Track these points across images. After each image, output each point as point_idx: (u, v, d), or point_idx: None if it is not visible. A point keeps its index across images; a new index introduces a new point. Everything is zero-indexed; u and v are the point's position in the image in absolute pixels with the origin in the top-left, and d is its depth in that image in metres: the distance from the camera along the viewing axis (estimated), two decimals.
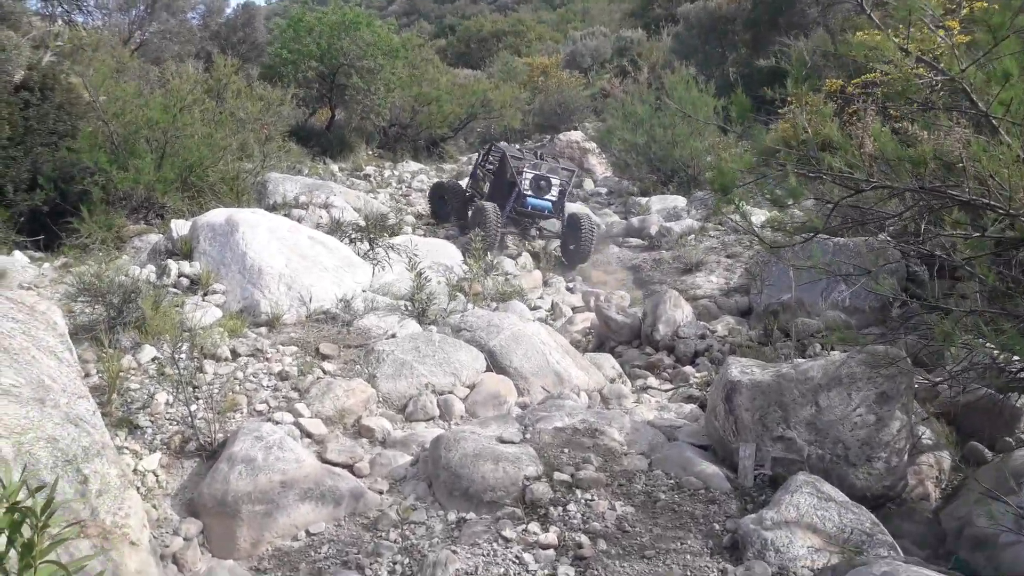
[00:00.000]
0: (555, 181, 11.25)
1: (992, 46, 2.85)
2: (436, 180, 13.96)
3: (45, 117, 9.61)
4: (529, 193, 10.94)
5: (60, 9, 17.30)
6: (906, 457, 4.43)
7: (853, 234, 6.90)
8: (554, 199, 11.19)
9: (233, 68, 12.24)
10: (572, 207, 11.71)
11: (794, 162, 3.44)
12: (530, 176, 11.01)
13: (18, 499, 1.92)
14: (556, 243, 11.35)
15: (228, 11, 22.67)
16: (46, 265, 7.43)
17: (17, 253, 7.76)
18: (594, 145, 18.48)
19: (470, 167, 14.17)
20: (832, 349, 6.32)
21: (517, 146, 12.93)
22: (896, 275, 6.59)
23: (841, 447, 4.37)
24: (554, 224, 11.54)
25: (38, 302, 4.74)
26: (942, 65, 3.25)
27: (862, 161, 3.26)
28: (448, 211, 12.05)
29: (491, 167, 11.95)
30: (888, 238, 7.04)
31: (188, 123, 9.82)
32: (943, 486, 4.69)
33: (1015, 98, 2.86)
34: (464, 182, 12.74)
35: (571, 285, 10.31)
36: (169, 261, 6.92)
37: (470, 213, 11.27)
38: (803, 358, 6.21)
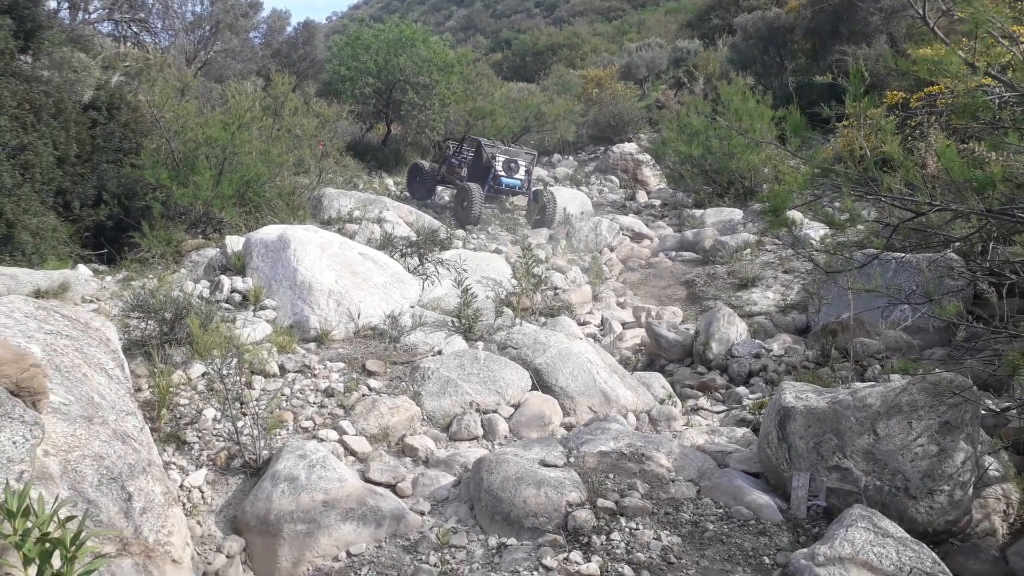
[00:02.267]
0: (522, 163, 13.82)
1: None
2: (415, 162, 15.84)
3: (111, 135, 9.95)
4: (502, 174, 13.45)
5: (130, 31, 17.97)
6: (971, 490, 4.19)
7: (916, 250, 6.61)
8: (522, 178, 13.75)
9: (290, 85, 12.48)
10: (537, 185, 14.42)
11: (851, 183, 3.27)
12: (502, 159, 13.55)
13: (49, 530, 1.93)
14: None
15: (289, 29, 23.19)
16: (108, 278, 7.66)
17: (81, 266, 8.02)
18: (648, 157, 18.29)
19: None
20: (893, 372, 6.06)
21: (487, 140, 14.95)
22: (962, 295, 6.28)
23: (901, 479, 4.15)
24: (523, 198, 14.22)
25: (93, 318, 4.86)
26: (1011, 79, 3.06)
27: (923, 182, 3.08)
28: (419, 188, 14.58)
29: (467, 156, 14.23)
30: (954, 255, 6.72)
31: (246, 140, 10.04)
32: (1011, 521, 4.41)
33: None
34: (427, 166, 15.08)
35: (622, 299, 10.20)
36: (222, 276, 7.05)
37: (454, 192, 13.84)
38: (862, 380, 5.96)
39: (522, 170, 13.73)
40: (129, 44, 17.12)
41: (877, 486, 4.18)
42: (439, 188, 14.85)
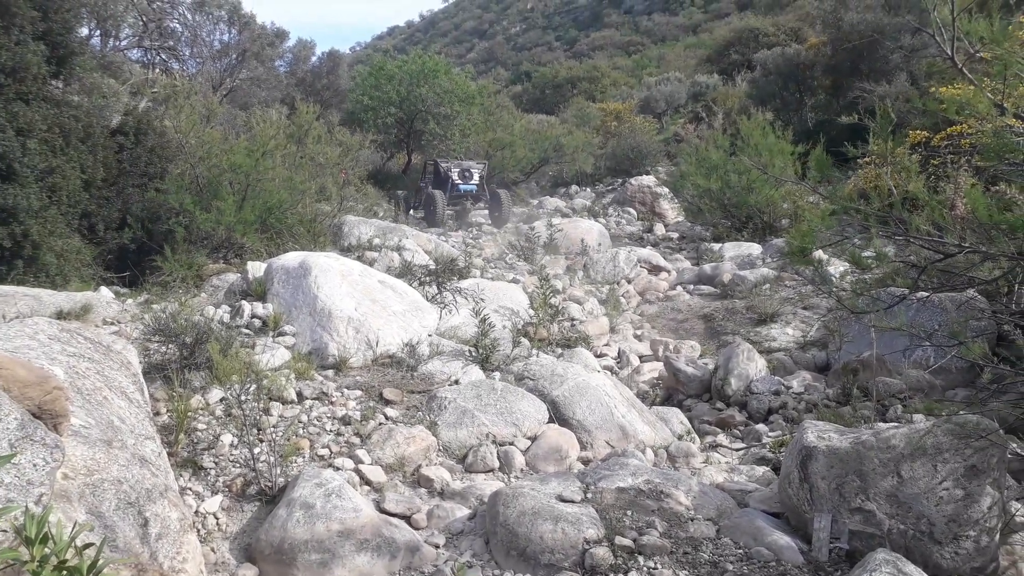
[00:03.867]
0: (475, 171, 16.64)
1: None
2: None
3: (137, 160, 10.12)
4: (459, 182, 16.30)
5: (159, 58, 18.34)
6: (998, 537, 4.10)
7: (940, 291, 6.55)
8: (476, 183, 16.54)
9: (314, 114, 12.67)
10: (493, 187, 17.05)
11: (876, 222, 3.25)
12: (456, 170, 16.46)
13: (66, 558, 1.92)
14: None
15: (314, 59, 23.58)
16: (129, 301, 7.72)
17: (103, 289, 8.10)
18: (666, 190, 18.32)
19: (540, 210, 18.21)
20: (915, 412, 5.97)
21: (442, 159, 17.80)
22: (986, 335, 6.20)
23: (925, 523, 4.07)
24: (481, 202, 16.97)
25: (114, 341, 4.89)
26: None
27: (952, 224, 3.06)
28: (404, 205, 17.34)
29: (431, 175, 17.19)
30: (977, 295, 6.65)
31: (269, 167, 10.17)
32: None
33: None
34: (403, 195, 17.65)
35: (639, 332, 10.15)
36: (243, 302, 7.09)
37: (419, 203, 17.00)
38: (884, 420, 5.88)
39: (476, 176, 16.52)
40: (157, 71, 17.46)
41: (901, 530, 4.10)
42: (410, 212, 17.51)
